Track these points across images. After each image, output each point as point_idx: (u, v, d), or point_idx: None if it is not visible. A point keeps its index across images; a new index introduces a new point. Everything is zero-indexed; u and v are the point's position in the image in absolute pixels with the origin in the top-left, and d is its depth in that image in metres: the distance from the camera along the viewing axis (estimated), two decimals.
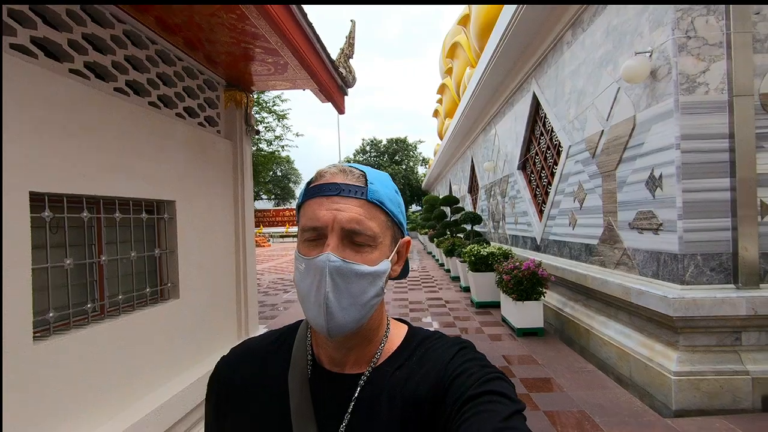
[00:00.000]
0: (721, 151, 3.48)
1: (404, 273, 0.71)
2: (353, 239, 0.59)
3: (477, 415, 0.52)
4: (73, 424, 1.67)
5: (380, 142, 46.09)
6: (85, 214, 1.79)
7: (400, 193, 0.68)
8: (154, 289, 2.29)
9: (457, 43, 19.02)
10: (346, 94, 4.00)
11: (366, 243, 0.60)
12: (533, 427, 3.00)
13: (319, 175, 0.63)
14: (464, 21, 17.57)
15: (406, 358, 0.66)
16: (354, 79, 3.94)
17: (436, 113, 28.72)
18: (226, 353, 0.73)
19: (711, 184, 3.49)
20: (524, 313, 5.41)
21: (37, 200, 1.61)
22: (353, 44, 3.89)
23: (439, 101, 26.63)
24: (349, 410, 0.61)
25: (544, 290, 5.42)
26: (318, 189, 0.61)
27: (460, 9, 20.48)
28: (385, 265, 0.62)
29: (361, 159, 45.11)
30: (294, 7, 2.36)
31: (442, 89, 25.02)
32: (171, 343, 2.35)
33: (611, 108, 4.56)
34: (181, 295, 2.44)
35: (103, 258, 1.92)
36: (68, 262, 1.72)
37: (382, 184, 0.64)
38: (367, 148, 46.07)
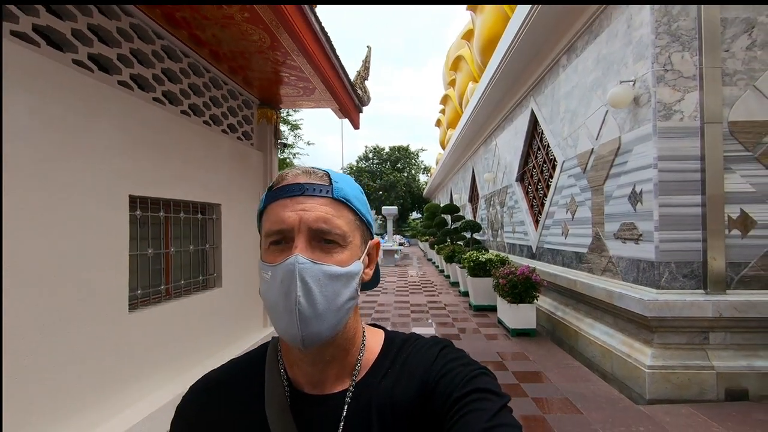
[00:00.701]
0: (693, 171, 3.93)
1: (376, 279, 0.68)
2: (322, 239, 0.57)
3: (465, 416, 0.52)
4: (150, 383, 2.09)
5: (383, 149, 46.68)
6: (161, 214, 2.24)
7: (365, 195, 0.67)
8: (204, 278, 2.73)
9: (461, 56, 19.59)
10: (361, 112, 4.46)
11: (336, 242, 0.57)
12: (522, 411, 3.42)
13: (281, 177, 0.60)
14: (468, 36, 18.15)
15: (389, 365, 0.64)
16: (369, 98, 4.41)
17: (438, 123, 29.24)
18: (193, 384, 0.67)
19: (684, 200, 3.93)
20: (518, 315, 5.83)
21: (131, 202, 2.04)
22: (369, 68, 4.36)
23: (442, 111, 27.16)
24: (339, 431, 0.58)
25: (537, 294, 5.84)
26: (281, 191, 0.58)
27: (464, 22, 21.12)
28: (357, 266, 0.59)
29: (363, 165, 45.64)
30: (325, 41, 2.82)
31: (444, 100, 25.58)
32: (215, 324, 2.78)
33: (600, 129, 5.02)
34: (223, 284, 2.88)
35: (171, 250, 2.36)
36: (150, 251, 2.16)
37: (347, 182, 0.62)
38: (370, 155, 46.64)
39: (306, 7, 2.37)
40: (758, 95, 3.91)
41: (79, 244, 1.68)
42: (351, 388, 0.61)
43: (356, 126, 4.47)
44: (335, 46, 2.69)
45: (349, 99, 3.85)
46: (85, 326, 1.71)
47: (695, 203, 3.92)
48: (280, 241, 0.57)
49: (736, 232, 3.90)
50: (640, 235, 4.20)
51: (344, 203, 0.59)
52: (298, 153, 21.84)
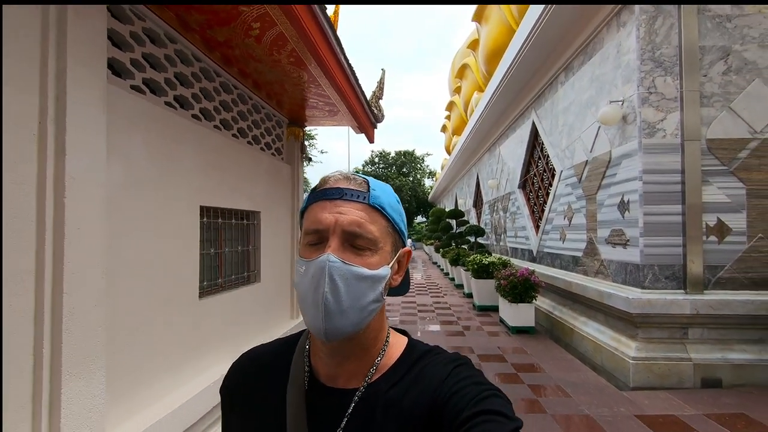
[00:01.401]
0: (675, 183, 4.37)
1: (405, 285, 0.71)
2: (354, 242, 0.60)
3: None
4: (213, 358, 2.58)
5: (389, 154, 47.25)
6: (220, 221, 2.73)
7: (401, 205, 0.69)
8: (247, 274, 3.22)
9: (467, 65, 20.09)
10: (376, 128, 4.96)
11: (366, 246, 0.60)
12: (518, 395, 3.87)
13: (324, 180, 0.64)
14: (473, 45, 18.65)
15: (403, 374, 0.65)
16: (383, 116, 4.90)
17: (444, 128, 29.71)
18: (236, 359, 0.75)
19: (666, 209, 4.38)
20: (518, 314, 6.28)
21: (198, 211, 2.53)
22: (383, 88, 4.86)
23: (448, 117, 27.63)
24: (342, 426, 0.61)
25: (536, 294, 6.29)
26: (322, 193, 0.62)
27: (469, 30, 21.61)
28: (385, 271, 0.62)
29: (369, 170, 46.21)
30: (351, 74, 3.32)
31: (450, 106, 26.07)
32: (256, 313, 3.27)
33: (593, 142, 5.48)
34: (261, 280, 3.37)
35: (225, 250, 2.86)
36: (212, 251, 2.66)
37: (384, 191, 0.65)
38: (376, 160, 47.21)
39: (337, 48, 2.87)
40: (733, 115, 4.36)
41: (169, 244, 2.17)
42: (362, 388, 0.63)
43: (371, 140, 4.97)
44: (348, 54, 3.13)
45: (366, 118, 4.34)
46: (171, 307, 2.21)
47: (676, 212, 4.37)
48: (316, 240, 0.60)
49: (713, 238, 4.34)
50: (628, 240, 4.65)
51: (379, 210, 0.62)
52: (312, 162, 22.54)
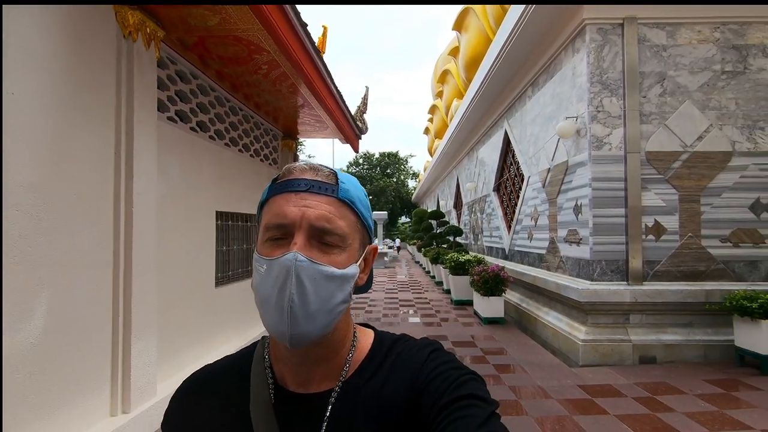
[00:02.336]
0: (619, 190, 5.06)
1: (369, 283, 0.68)
2: (322, 239, 0.56)
3: (455, 422, 0.51)
4: (225, 336, 3.11)
5: (373, 155, 47.82)
6: (229, 222, 3.26)
7: (368, 199, 0.66)
8: (249, 268, 3.75)
9: (448, 70, 20.82)
10: (360, 139, 5.53)
11: (335, 244, 0.57)
12: (484, 372, 4.49)
13: (288, 171, 0.59)
14: (454, 52, 19.38)
15: (378, 366, 0.63)
16: (366, 128, 5.48)
17: (426, 131, 30.41)
18: (180, 386, 0.67)
19: (612, 212, 5.06)
20: (489, 306, 6.93)
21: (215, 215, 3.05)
22: (366, 103, 5.44)
23: (430, 120, 28.37)
24: (323, 430, 0.57)
25: (505, 288, 6.95)
26: (285, 185, 0.58)
27: (450, 36, 22.34)
28: (353, 269, 0.59)
29: (354, 171, 46.70)
30: (338, 96, 3.87)
31: (432, 110, 26.80)
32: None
33: (554, 152, 6.16)
34: None
35: (234, 247, 3.39)
36: (224, 248, 3.18)
37: (353, 184, 0.62)
38: (360, 161, 47.73)
39: (329, 79, 3.43)
40: (668, 131, 5.07)
41: (194, 243, 2.69)
42: (337, 387, 0.60)
43: (356, 150, 5.53)
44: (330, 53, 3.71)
45: (351, 131, 4.91)
46: (195, 293, 2.74)
47: (620, 215, 5.06)
48: (280, 235, 0.56)
49: (651, 237, 5.05)
50: (581, 239, 5.33)
51: (348, 204, 0.59)
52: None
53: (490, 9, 13.12)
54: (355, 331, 0.67)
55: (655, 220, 5.05)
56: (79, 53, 1.73)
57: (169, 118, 2.50)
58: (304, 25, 2.55)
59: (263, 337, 0.67)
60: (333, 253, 0.56)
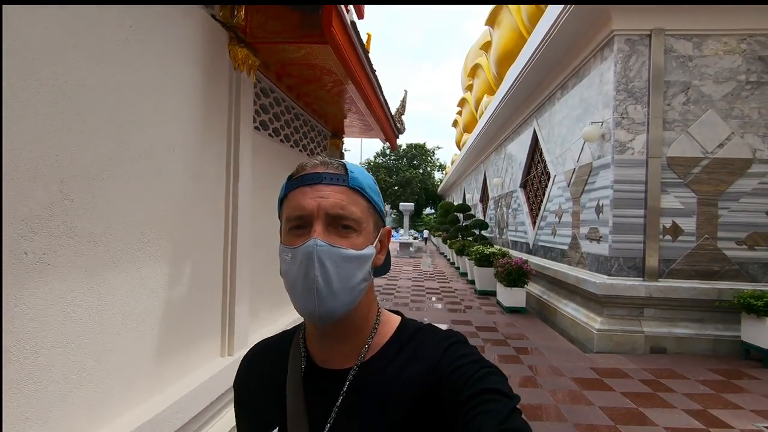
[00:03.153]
0: (639, 192, 5.41)
1: (387, 265, 0.73)
2: (338, 225, 0.61)
3: (476, 418, 0.53)
4: (271, 313, 3.74)
5: (400, 146, 48.14)
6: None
7: (377, 184, 0.70)
8: None
9: (479, 64, 20.94)
10: (398, 138, 6.05)
11: (351, 227, 0.62)
12: (504, 353, 4.99)
13: (301, 167, 0.65)
14: (486, 47, 19.47)
15: (397, 351, 0.66)
16: (404, 128, 5.99)
17: (455, 123, 30.51)
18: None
19: (631, 213, 5.42)
20: (511, 296, 7.39)
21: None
22: (405, 106, 5.93)
23: (459, 113, 28.48)
24: (337, 404, 0.63)
25: (527, 280, 7.38)
26: (300, 180, 0.63)
27: (480, 30, 22.36)
28: (370, 250, 0.64)
29: (381, 161, 47.20)
30: (384, 103, 4.40)
31: (462, 103, 26.89)
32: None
33: (580, 154, 6.51)
34: None
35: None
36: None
37: (361, 173, 0.66)
38: (387, 151, 48.14)
39: (380, 92, 3.96)
40: (690, 138, 5.37)
41: (269, 235, 3.32)
42: (355, 367, 0.65)
43: (394, 148, 6.06)
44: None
45: (392, 132, 5.43)
46: (270, 268, 3.36)
47: (639, 215, 5.41)
48: (300, 225, 0.61)
49: (668, 237, 5.39)
50: (601, 236, 5.71)
51: (359, 191, 0.64)
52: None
53: (524, 6, 13.27)
54: (379, 315, 0.70)
55: (673, 221, 5.38)
56: (208, 82, 2.33)
57: (255, 128, 3.10)
58: (366, 53, 3.08)
59: (303, 321, 0.73)
60: (350, 236, 0.61)
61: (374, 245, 0.66)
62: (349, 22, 2.50)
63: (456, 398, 0.57)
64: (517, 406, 0.56)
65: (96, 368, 1.60)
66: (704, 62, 5.37)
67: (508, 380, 0.59)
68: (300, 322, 0.75)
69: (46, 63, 1.36)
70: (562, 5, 5.70)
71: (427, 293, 9.44)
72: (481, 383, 0.57)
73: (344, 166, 0.65)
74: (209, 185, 2.40)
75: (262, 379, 0.72)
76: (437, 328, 0.70)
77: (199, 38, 2.26)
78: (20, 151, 1.28)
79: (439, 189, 40.86)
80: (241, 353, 2.64)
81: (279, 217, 0.68)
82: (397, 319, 0.72)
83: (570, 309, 6.26)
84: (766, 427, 3.16)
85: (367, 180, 0.66)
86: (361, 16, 3.20)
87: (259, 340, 0.81)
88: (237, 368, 0.78)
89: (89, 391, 1.57)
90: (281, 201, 0.66)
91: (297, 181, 0.63)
